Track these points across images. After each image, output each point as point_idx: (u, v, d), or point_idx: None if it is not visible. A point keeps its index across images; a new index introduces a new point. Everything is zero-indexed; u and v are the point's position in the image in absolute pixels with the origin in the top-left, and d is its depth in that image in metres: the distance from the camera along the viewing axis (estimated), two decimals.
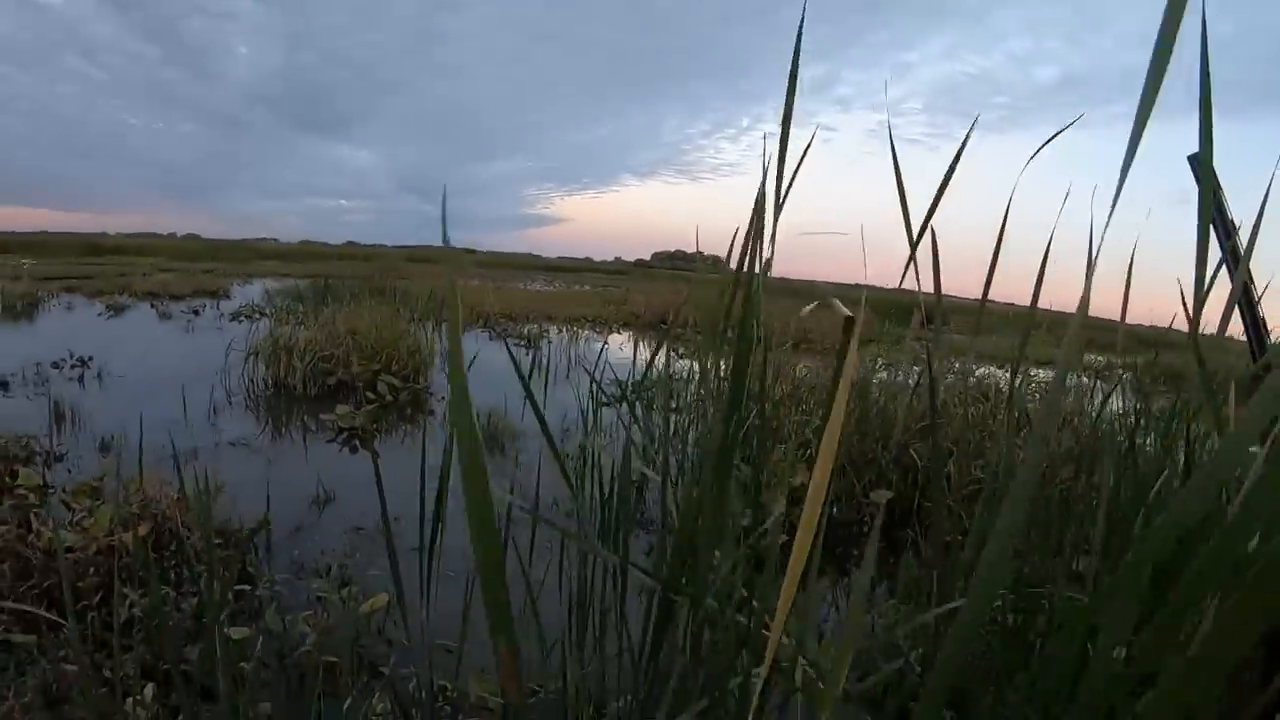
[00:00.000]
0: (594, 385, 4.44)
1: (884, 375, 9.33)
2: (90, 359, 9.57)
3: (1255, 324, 1.84)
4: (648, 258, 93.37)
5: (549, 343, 14.42)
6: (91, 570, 3.65)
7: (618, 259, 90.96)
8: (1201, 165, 1.67)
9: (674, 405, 8.39)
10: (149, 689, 2.74)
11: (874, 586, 4.71)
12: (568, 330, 16.57)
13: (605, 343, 15.54)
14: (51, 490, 5.01)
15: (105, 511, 3.90)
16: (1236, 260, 1.63)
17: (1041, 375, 13.92)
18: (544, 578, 2.59)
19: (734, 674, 1.74)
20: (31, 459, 5.47)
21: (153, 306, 17.43)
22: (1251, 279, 1.76)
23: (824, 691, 0.80)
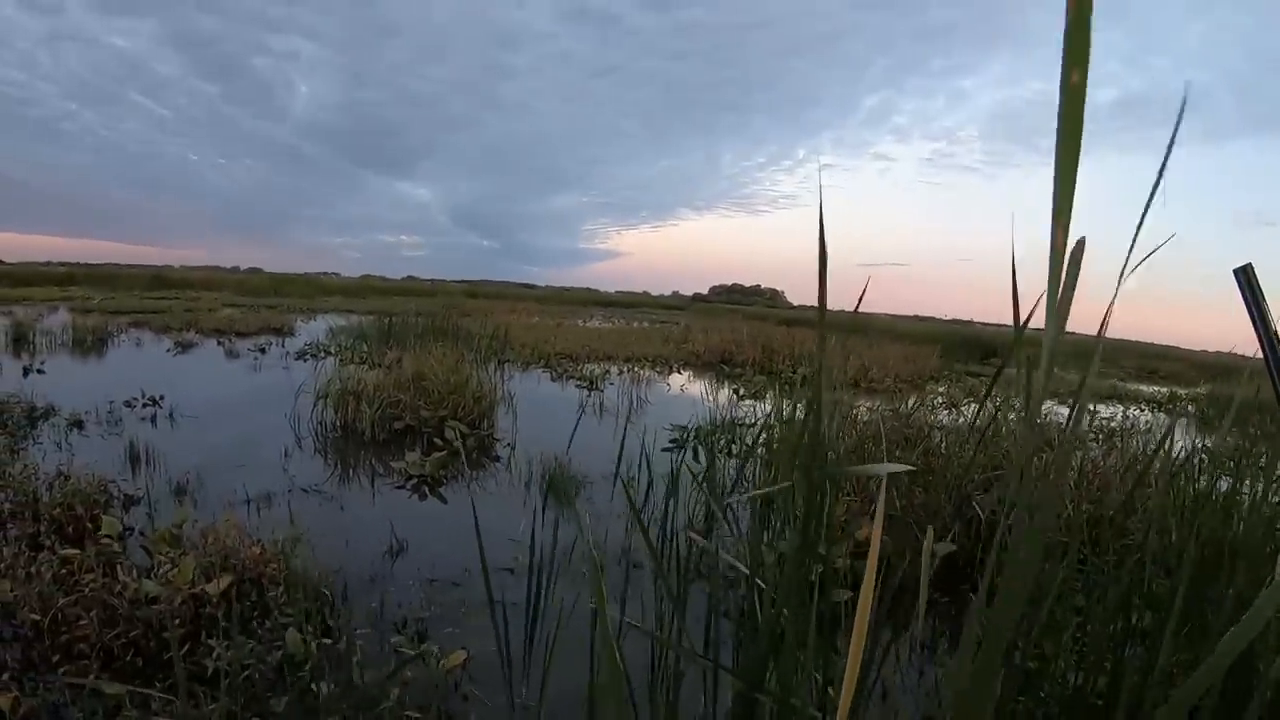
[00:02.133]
0: (655, 438, 4.48)
1: (946, 418, 9.26)
2: (162, 398, 9.74)
3: None
4: (705, 291, 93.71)
5: (611, 384, 14.45)
6: (176, 621, 3.73)
7: (675, 293, 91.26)
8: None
9: (736, 450, 8.41)
10: None
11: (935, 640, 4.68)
12: (628, 370, 16.57)
13: (668, 385, 15.57)
14: (130, 532, 5.12)
15: (189, 563, 3.98)
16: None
17: (1105, 412, 13.73)
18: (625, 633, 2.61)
19: None
20: (110, 503, 5.56)
21: (219, 344, 17.71)
22: None
23: None
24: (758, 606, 1.92)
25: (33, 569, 3.98)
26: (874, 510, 4.57)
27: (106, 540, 4.45)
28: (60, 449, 7.38)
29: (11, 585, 3.80)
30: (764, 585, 1.96)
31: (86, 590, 3.81)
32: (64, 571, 4.02)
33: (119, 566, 4.09)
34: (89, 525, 5.03)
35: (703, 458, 8.02)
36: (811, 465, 1.47)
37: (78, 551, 4.20)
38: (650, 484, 6.54)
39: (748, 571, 2.01)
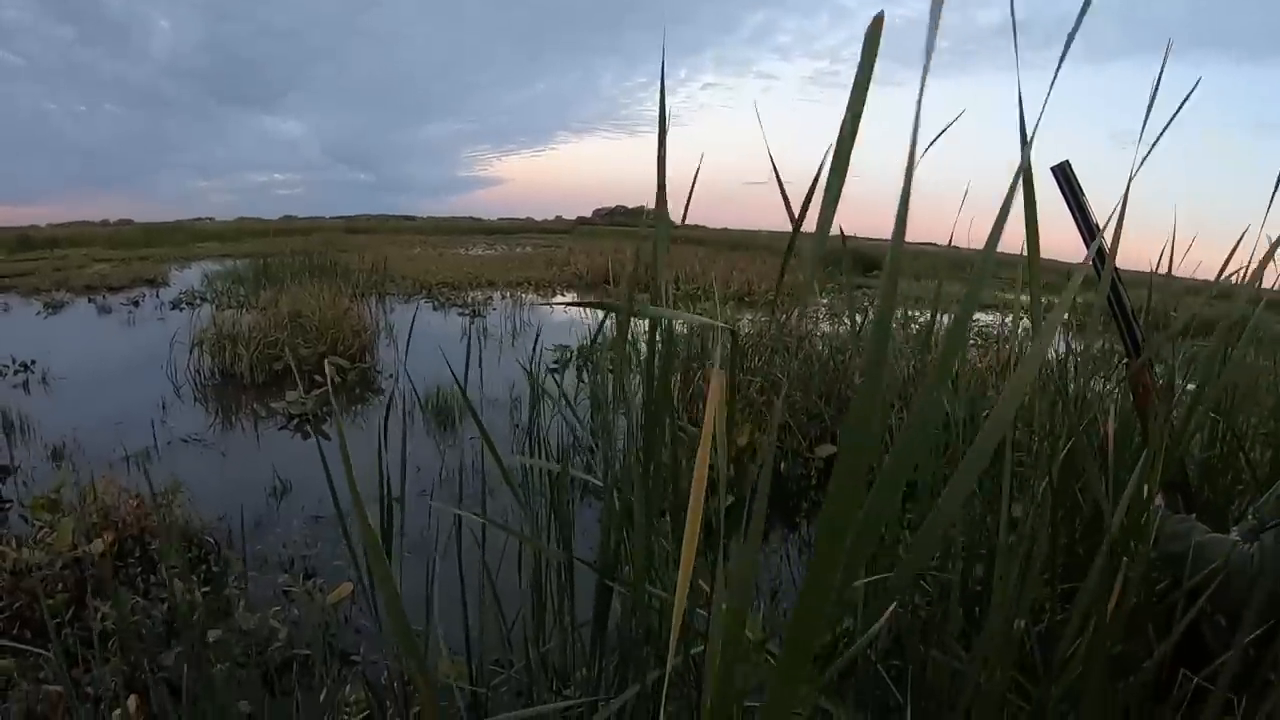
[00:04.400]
0: (537, 357, 4.55)
1: (827, 328, 9.45)
2: (33, 362, 9.46)
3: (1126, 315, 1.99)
4: (589, 214, 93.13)
5: (493, 309, 14.45)
6: (60, 586, 3.72)
7: (559, 217, 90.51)
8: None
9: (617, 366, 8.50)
10: (131, 700, 2.82)
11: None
12: (511, 295, 16.55)
13: (550, 307, 15.61)
14: (9, 503, 5.04)
15: (67, 525, 3.95)
16: (1103, 258, 1.75)
17: (984, 319, 14.16)
18: (503, 550, 2.71)
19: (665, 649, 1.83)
20: None
21: (91, 301, 17.14)
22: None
23: (726, 648, 0.89)
24: (613, 508, 2.00)
25: None
26: (751, 417, 4.71)
27: None
28: None
29: None
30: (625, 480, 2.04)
31: None
32: None
33: None
34: None
35: (585, 377, 8.12)
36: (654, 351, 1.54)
37: None
38: (534, 404, 6.63)
39: (599, 481, 2.10)
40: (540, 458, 5.14)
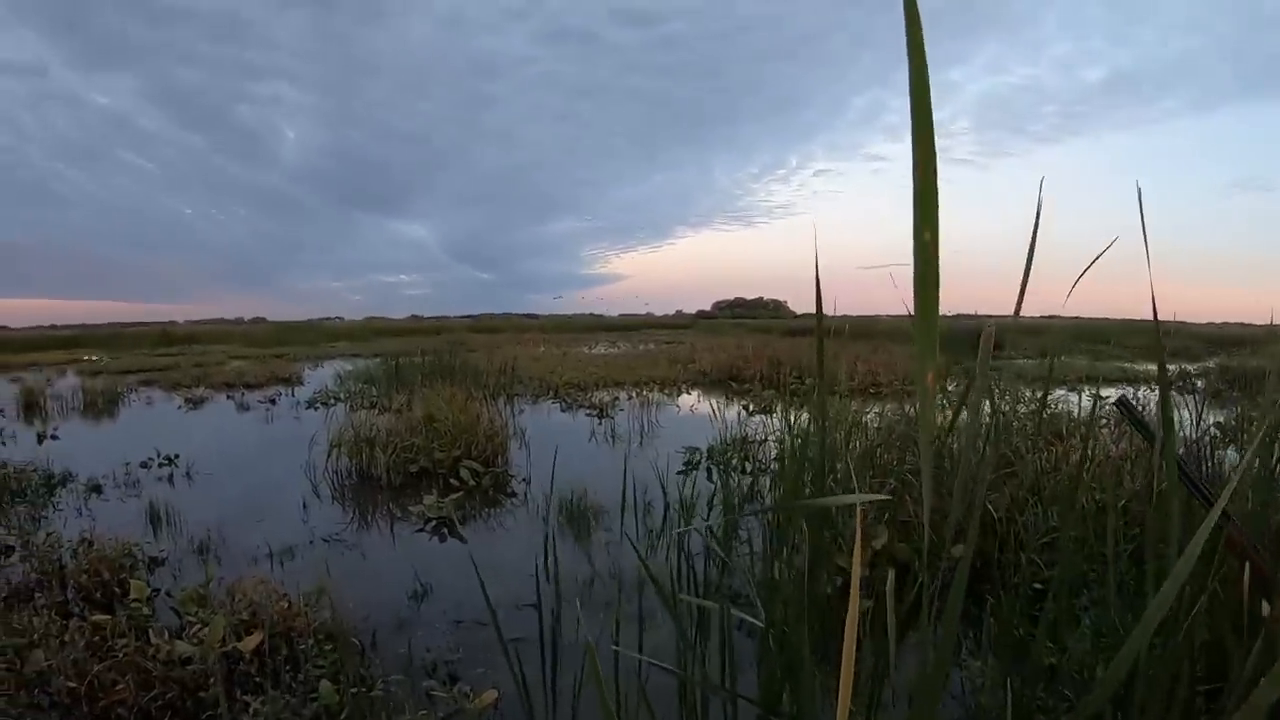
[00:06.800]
0: (666, 463, 4.54)
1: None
2: (177, 457, 9.81)
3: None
4: (708, 307, 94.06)
5: (620, 410, 14.47)
6: (211, 680, 3.78)
7: (679, 311, 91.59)
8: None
9: (748, 468, 8.44)
10: None
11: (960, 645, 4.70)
12: (637, 395, 16.55)
13: (677, 407, 15.62)
14: (157, 593, 5.16)
15: (219, 621, 4.02)
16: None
17: (1114, 396, 13.61)
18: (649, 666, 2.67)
19: None
20: (135, 566, 5.62)
21: (229, 398, 17.77)
22: None
23: None
24: (770, 629, 1.97)
25: (65, 637, 4.04)
26: (886, 518, 4.61)
27: (136, 604, 4.51)
28: (81, 514, 7.46)
29: (45, 654, 3.86)
30: (772, 604, 2.01)
31: (120, 655, 3.87)
32: (96, 638, 4.08)
33: (150, 630, 4.14)
34: (116, 590, 5.10)
35: (716, 478, 8.06)
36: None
37: (109, 617, 4.26)
38: (666, 508, 6.59)
39: (758, 622, 2.07)
40: (681, 563, 5.11)
